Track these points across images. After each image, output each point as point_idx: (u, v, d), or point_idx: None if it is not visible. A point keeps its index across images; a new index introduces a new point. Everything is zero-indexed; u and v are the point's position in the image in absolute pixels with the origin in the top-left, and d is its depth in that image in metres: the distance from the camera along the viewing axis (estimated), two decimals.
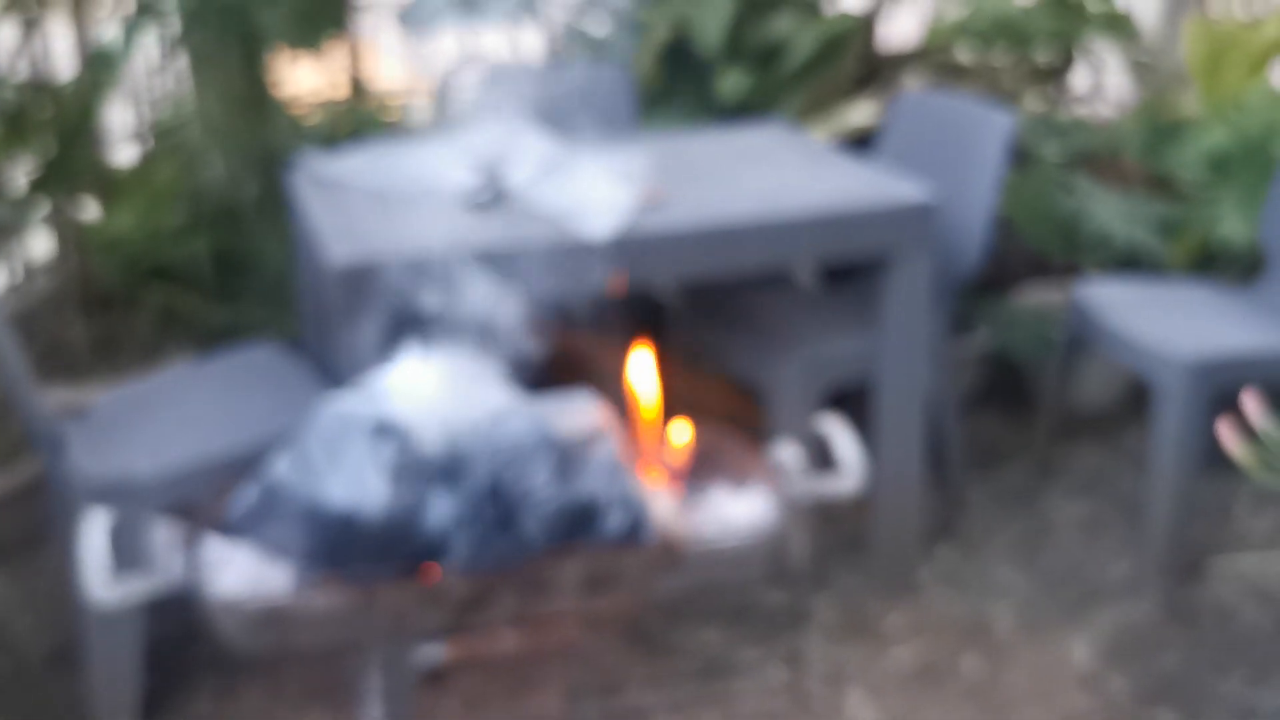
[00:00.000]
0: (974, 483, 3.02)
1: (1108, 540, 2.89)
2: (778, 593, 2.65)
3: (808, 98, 3.42)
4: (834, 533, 2.65)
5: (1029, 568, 2.80)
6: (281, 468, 1.57)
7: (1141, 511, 2.79)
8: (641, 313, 2.85)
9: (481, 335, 1.73)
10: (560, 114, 2.67)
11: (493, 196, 2.46)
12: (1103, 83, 3.84)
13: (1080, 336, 2.95)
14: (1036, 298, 3.35)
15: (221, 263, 3.23)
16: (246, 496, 1.59)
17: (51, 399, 2.38)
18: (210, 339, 3.04)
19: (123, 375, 2.82)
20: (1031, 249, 3.35)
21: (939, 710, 2.40)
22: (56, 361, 3.02)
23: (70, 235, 3.43)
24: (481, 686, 1.73)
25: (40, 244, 3.48)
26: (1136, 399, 3.11)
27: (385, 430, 1.54)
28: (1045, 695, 2.43)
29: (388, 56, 3.84)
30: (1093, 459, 3.16)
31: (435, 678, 1.74)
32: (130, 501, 1.95)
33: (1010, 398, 3.31)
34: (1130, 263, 3.19)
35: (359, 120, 3.36)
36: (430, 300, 1.77)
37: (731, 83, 3.36)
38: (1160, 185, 3.35)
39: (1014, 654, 2.54)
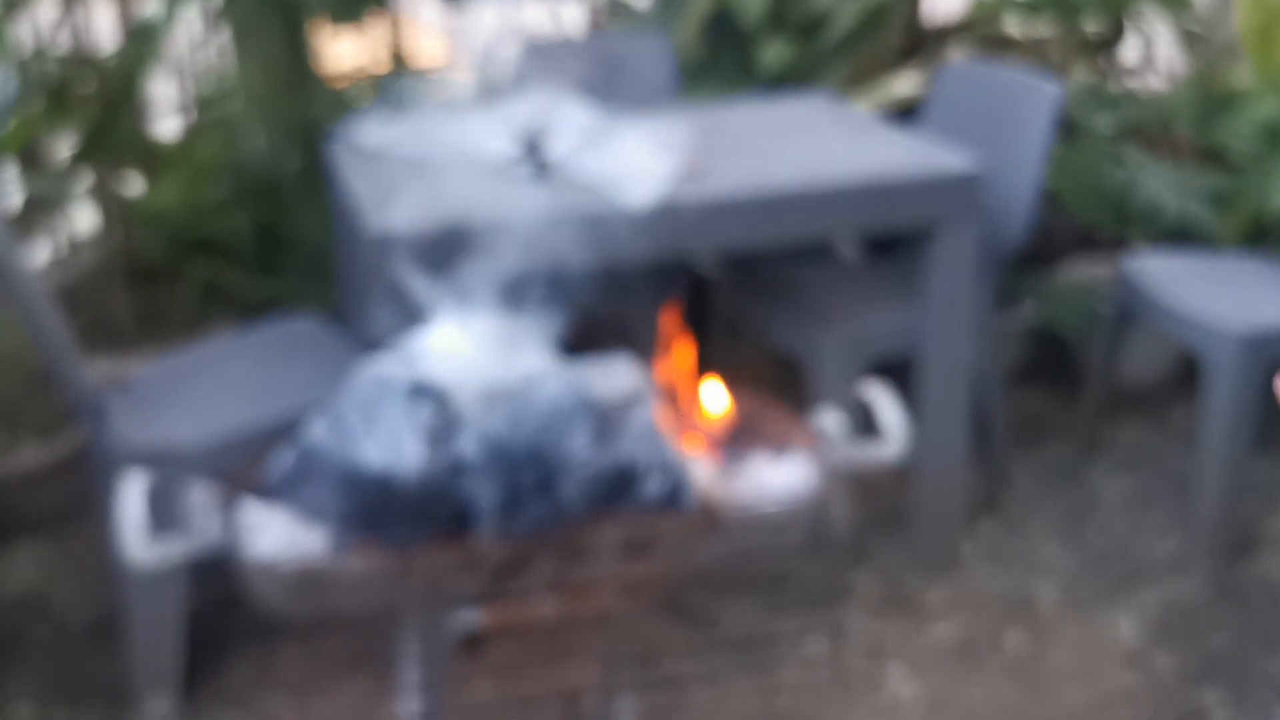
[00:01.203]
0: (1018, 458, 2.98)
1: (1155, 517, 2.84)
2: (817, 566, 2.62)
3: (851, 69, 3.38)
4: (875, 507, 2.61)
5: (1074, 544, 2.76)
6: (318, 431, 1.57)
7: (1190, 487, 2.75)
8: (682, 284, 2.83)
9: (520, 303, 1.71)
10: (601, 85, 2.65)
11: (533, 166, 2.45)
12: (1154, 54, 3.77)
13: (1128, 310, 2.90)
14: (1083, 272, 3.30)
15: (263, 237, 3.24)
16: (283, 460, 1.58)
17: (95, 370, 2.40)
18: (251, 311, 3.05)
19: (165, 347, 2.84)
20: (1078, 222, 3.30)
21: (980, 686, 2.37)
22: (100, 334, 3.03)
23: (114, 209, 3.45)
24: (517, 653, 1.72)
25: (85, 218, 3.51)
26: (1185, 374, 3.06)
27: (421, 392, 1.53)
28: (1090, 673, 2.40)
29: (428, 30, 3.83)
30: (1140, 434, 3.11)
31: (471, 644, 1.74)
32: (171, 469, 1.96)
33: (1055, 373, 3.26)
34: (1180, 236, 3.14)
35: (399, 94, 3.35)
36: (469, 268, 1.76)
37: (774, 54, 3.32)
38: (1212, 158, 3.29)
39: (1058, 631, 2.51)
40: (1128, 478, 2.98)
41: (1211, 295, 2.74)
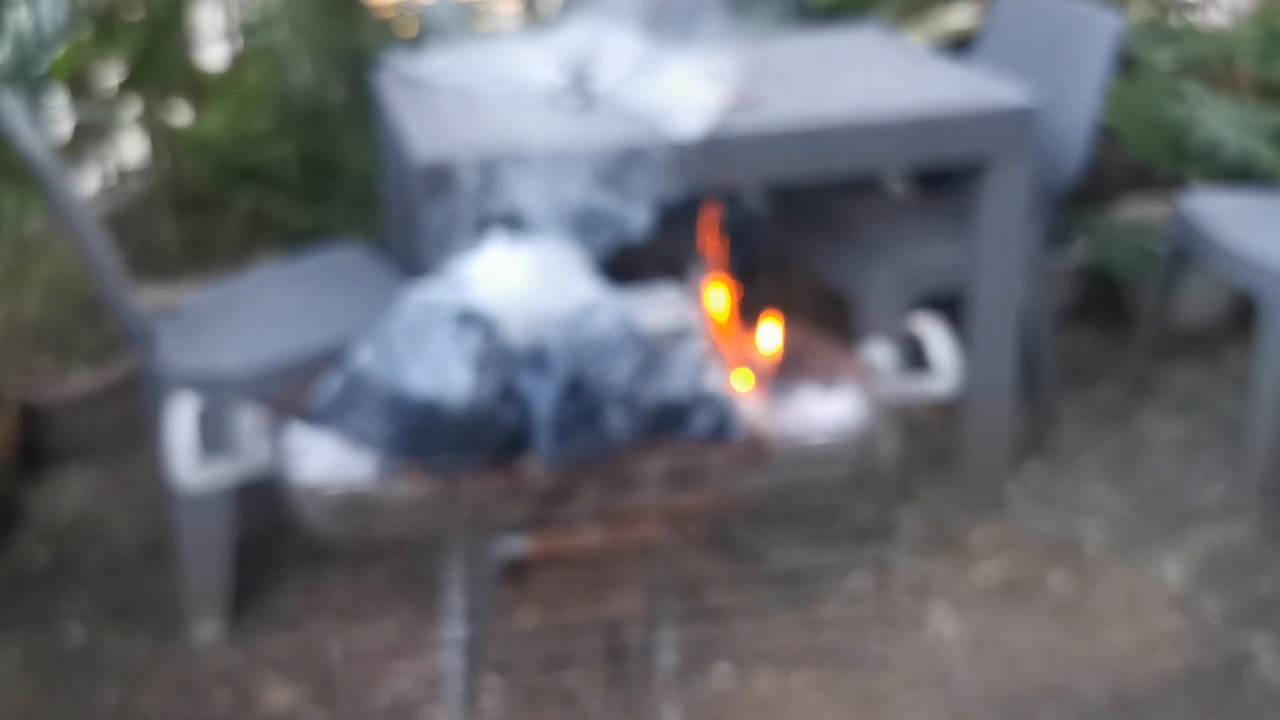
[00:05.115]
0: (1066, 399, 2.95)
1: (1205, 460, 2.81)
2: (863, 503, 2.61)
3: (905, 1, 3.31)
4: (921, 445, 2.60)
5: (1121, 486, 2.74)
6: (365, 356, 1.56)
7: (1241, 431, 2.71)
8: (730, 216, 2.81)
9: (567, 232, 1.70)
10: (650, 15, 2.61)
11: (580, 95, 2.42)
12: None
13: (1183, 250, 2.84)
14: (1137, 210, 3.24)
15: (308, 165, 3.24)
16: (331, 385, 1.58)
17: (144, 298, 2.41)
18: (296, 240, 3.05)
19: (212, 275, 2.85)
20: (1134, 160, 3.24)
21: (1024, 626, 2.36)
22: (148, 261, 3.05)
23: (162, 138, 3.45)
24: (561, 582, 1.72)
25: (133, 147, 3.52)
26: (1240, 316, 3.01)
27: (469, 319, 1.52)
28: (1134, 614, 2.38)
29: None
30: (1192, 377, 3.07)
31: (515, 572, 1.74)
32: (218, 395, 1.97)
33: (1106, 313, 3.22)
34: (1240, 174, 3.07)
35: (446, 23, 3.32)
36: (515, 197, 1.74)
37: None
38: (1274, 94, 3.21)
39: (1103, 572, 2.49)
40: (1178, 421, 2.94)
41: (1271, 235, 2.68)
